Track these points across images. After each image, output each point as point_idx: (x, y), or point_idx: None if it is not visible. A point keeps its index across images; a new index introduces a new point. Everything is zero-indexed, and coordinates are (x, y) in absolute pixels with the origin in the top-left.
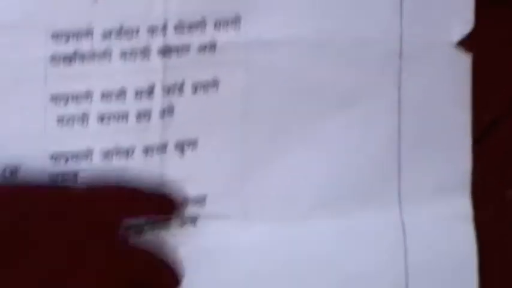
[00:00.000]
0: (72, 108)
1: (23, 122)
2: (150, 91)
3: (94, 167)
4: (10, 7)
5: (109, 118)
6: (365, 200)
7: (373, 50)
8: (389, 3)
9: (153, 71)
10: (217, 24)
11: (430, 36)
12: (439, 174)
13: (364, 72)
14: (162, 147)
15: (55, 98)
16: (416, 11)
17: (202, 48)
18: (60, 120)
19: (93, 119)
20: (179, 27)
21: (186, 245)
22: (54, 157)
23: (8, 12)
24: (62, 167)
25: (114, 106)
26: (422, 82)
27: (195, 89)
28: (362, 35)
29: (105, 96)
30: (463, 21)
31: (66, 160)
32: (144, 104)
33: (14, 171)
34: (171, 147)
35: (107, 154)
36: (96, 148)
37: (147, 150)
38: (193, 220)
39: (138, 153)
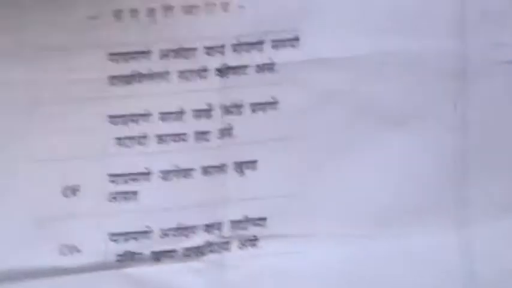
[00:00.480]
0: (131, 129)
1: (83, 142)
2: (209, 111)
3: (154, 187)
4: (71, 30)
5: (168, 138)
6: (426, 220)
7: (434, 67)
8: (451, 21)
9: (211, 91)
10: (276, 44)
11: (494, 53)
12: (504, 193)
13: (425, 90)
14: (221, 168)
15: (114, 119)
16: (479, 29)
17: (261, 68)
18: (119, 140)
19: (152, 140)
20: (237, 47)
21: (247, 266)
22: (114, 177)
23: (69, 34)
24: (121, 187)
25: (173, 127)
26: (486, 100)
27: (254, 108)
28: (423, 53)
29: (164, 116)
30: None
31: (126, 180)
32: (202, 124)
33: (74, 191)
34: (230, 167)
35: (166, 174)
36: (155, 168)
37: (206, 171)
38: (255, 240)
39: (197, 173)
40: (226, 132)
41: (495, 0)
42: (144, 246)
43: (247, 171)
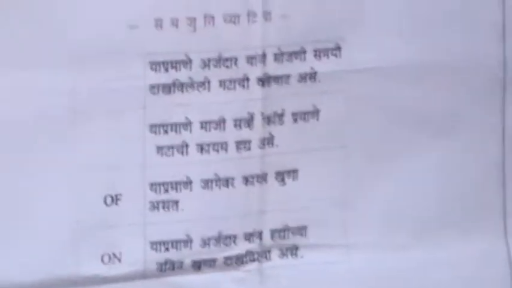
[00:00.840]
0: (172, 138)
1: (124, 151)
2: (250, 120)
3: (194, 196)
4: (111, 39)
5: (208, 147)
6: (470, 229)
7: (474, 76)
8: (491, 29)
9: (252, 100)
10: (317, 53)
11: None
12: None
13: (465, 99)
14: (263, 177)
15: (154, 127)
16: None
17: (303, 77)
18: (160, 149)
19: (192, 149)
20: (278, 56)
21: (287, 275)
22: (154, 186)
23: (109, 43)
24: (162, 196)
25: (213, 135)
26: None
27: (295, 118)
28: (463, 62)
29: (205, 125)
30: None
31: (166, 189)
32: (243, 133)
33: (115, 199)
34: (271, 176)
35: (207, 183)
36: (196, 177)
37: (247, 180)
38: (295, 249)
39: (238, 182)
40: (267, 141)
41: None
42: (185, 255)
43: (288, 181)
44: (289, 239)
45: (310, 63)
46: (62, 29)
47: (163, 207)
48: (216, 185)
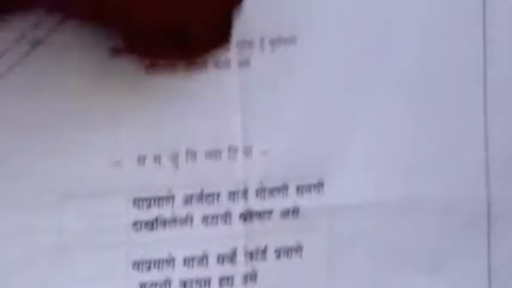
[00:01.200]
0: (155, 275)
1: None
2: (233, 256)
3: None
4: (95, 176)
5: (191, 284)
6: None
7: (459, 213)
8: (475, 168)
9: (235, 236)
10: (300, 189)
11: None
12: None
13: (450, 237)
14: None
15: (137, 264)
16: (503, 172)
17: (285, 213)
18: (143, 286)
19: (175, 285)
20: (260, 192)
21: None
22: None
23: (92, 181)
24: None
25: (196, 272)
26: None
27: (279, 254)
28: (447, 199)
29: (188, 261)
30: None
31: None
32: (226, 269)
33: None
34: None
35: None
36: None
37: None
38: None
39: None
40: (250, 277)
41: None
42: None
43: None
44: None
45: (292, 198)
46: (47, 169)
47: None
48: None
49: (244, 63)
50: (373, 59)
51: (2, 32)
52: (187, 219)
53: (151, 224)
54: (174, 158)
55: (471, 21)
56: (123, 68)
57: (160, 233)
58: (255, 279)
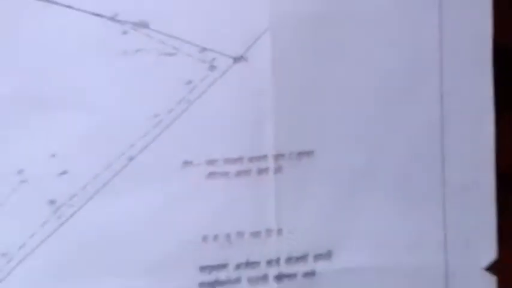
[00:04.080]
0: None
1: None
2: None
3: None
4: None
5: None
6: None
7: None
8: (435, 235)
9: None
10: (316, 257)
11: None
12: None
13: None
14: None
15: None
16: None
17: (306, 275)
18: None
19: None
20: (289, 260)
21: None
22: None
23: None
24: None
25: None
26: None
27: None
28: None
29: None
30: (490, 250)
31: None
32: None
33: None
34: None
35: None
36: None
37: None
38: None
39: None
40: None
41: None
42: None
43: None
44: None
45: (311, 264)
46: (140, 241)
47: None
48: None
49: (278, 170)
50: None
51: None
52: (237, 281)
53: (212, 285)
54: (228, 237)
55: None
56: None
57: None
58: None
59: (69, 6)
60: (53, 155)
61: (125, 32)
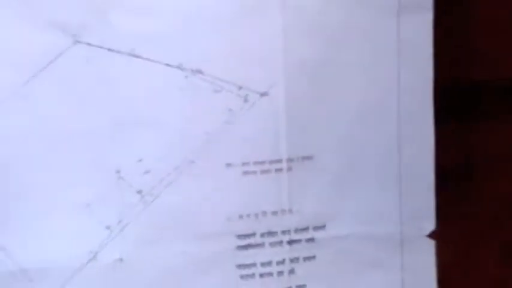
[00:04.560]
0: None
1: None
2: (283, 261)
3: None
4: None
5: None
6: None
7: None
8: (394, 212)
9: (285, 251)
10: (315, 228)
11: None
12: None
13: None
14: None
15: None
16: (409, 216)
17: (308, 241)
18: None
19: None
20: (296, 230)
21: None
22: None
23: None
24: None
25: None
26: None
27: (305, 258)
28: (380, 235)
29: (265, 264)
30: (431, 222)
31: None
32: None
33: None
34: None
35: None
36: None
37: None
38: None
39: None
40: (290, 271)
41: None
42: None
43: None
44: None
45: (311, 233)
46: (197, 217)
47: None
48: None
49: (289, 169)
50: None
51: None
52: (262, 245)
53: (245, 247)
54: (256, 215)
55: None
56: None
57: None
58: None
59: (148, 59)
60: (140, 160)
61: (186, 77)
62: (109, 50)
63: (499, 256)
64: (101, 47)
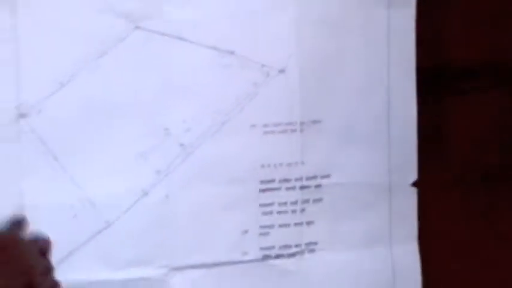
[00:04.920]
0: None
1: None
2: (296, 202)
3: None
4: None
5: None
6: None
7: None
8: (383, 167)
9: (297, 195)
10: (321, 177)
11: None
12: None
13: None
14: None
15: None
16: (396, 170)
17: (316, 186)
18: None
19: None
20: (307, 178)
21: None
22: None
23: None
24: None
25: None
26: None
27: (316, 200)
28: (373, 183)
29: (282, 204)
30: (413, 173)
31: None
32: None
33: None
34: None
35: None
36: None
37: None
38: None
39: None
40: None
41: None
42: None
43: None
44: None
45: (318, 181)
46: (231, 167)
47: None
48: None
49: (302, 130)
50: None
51: None
52: (279, 188)
53: (264, 191)
54: (275, 165)
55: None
56: None
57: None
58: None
59: (192, 42)
60: (184, 121)
61: (221, 56)
62: (162, 34)
63: (464, 199)
64: (155, 32)
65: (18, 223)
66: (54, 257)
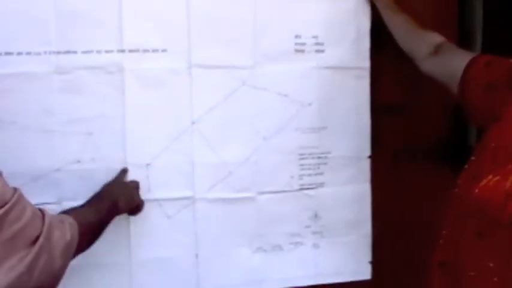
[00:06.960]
0: None
1: None
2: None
3: None
4: None
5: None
6: None
7: None
8: None
9: (302, 167)
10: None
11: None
12: None
13: None
14: None
15: None
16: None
17: (321, 157)
18: None
19: None
20: (307, 157)
21: None
22: None
23: None
24: None
25: None
26: None
27: (319, 173)
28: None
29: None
30: (367, 149)
31: None
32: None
33: None
34: None
35: None
36: None
37: None
38: None
39: None
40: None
41: None
42: None
43: None
44: None
45: (323, 159)
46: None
47: None
48: None
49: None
50: None
51: None
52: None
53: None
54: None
55: None
56: None
57: None
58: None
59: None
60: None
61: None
62: (254, 87)
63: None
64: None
65: (124, 172)
66: None
